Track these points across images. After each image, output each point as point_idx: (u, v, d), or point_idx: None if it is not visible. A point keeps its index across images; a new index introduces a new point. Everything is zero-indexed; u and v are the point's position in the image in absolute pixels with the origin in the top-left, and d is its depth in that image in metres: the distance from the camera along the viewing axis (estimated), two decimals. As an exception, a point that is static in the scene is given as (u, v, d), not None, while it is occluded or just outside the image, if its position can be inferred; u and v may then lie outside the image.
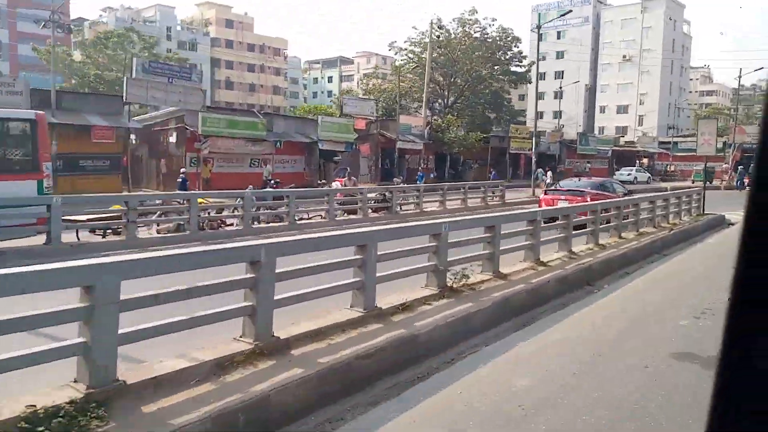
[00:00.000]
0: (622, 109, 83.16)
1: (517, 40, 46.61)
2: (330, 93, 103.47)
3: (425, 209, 20.62)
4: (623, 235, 13.60)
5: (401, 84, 45.40)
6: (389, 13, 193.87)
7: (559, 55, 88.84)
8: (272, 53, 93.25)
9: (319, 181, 28.52)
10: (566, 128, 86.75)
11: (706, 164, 26.67)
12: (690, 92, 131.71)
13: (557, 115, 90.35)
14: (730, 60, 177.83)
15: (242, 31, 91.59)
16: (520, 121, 66.32)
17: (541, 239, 10.13)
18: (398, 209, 19.44)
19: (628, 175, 48.28)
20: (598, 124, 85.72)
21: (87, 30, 66.39)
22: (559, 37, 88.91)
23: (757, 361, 0.73)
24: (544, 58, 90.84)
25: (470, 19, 45.96)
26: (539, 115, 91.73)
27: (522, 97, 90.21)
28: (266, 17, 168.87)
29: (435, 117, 40.20)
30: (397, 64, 44.03)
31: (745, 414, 0.74)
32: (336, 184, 25.70)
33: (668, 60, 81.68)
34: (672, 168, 61.62)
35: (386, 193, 19.51)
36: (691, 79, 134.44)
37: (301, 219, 16.46)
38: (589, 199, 14.98)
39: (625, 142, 63.87)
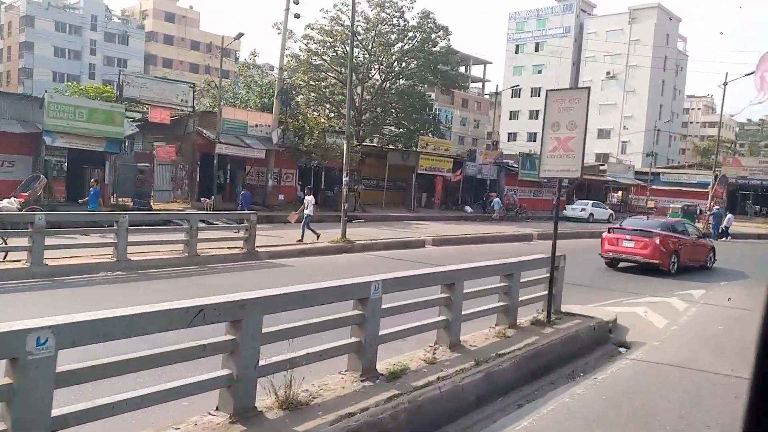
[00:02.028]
0: (604, 134, 72.23)
1: (445, 30, 36.15)
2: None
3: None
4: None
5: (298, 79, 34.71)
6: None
7: (536, 69, 78.33)
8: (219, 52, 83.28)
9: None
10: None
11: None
12: (691, 122, 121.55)
13: (532, 137, 79.87)
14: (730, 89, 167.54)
15: (185, 26, 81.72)
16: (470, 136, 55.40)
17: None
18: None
19: (581, 210, 37.16)
20: (576, 149, 74.66)
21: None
22: (537, 49, 78.55)
23: None
24: (520, 73, 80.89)
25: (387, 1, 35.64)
26: (511, 136, 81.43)
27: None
28: (215, 12, 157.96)
29: (299, 114, 29.33)
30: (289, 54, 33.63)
31: None
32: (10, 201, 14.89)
33: (658, 79, 70.93)
34: (652, 203, 50.38)
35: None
36: (691, 109, 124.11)
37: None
38: (658, 241, 14.17)
39: (587, 167, 52.50)
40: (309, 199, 16.79)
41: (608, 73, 71.56)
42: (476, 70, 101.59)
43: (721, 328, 9.51)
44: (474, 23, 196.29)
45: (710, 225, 29.46)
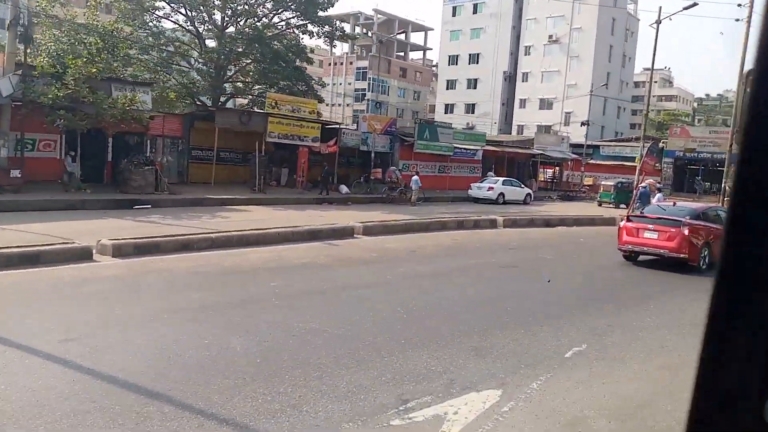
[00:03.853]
0: (546, 104, 65.10)
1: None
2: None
3: None
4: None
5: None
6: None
7: (475, 33, 70.55)
8: None
9: None
10: (479, 126, 68.67)
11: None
12: (644, 95, 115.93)
13: (470, 108, 72.36)
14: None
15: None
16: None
17: None
18: None
19: (488, 190, 29.74)
20: (517, 120, 67.63)
21: None
22: (475, 11, 70.68)
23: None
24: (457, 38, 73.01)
25: None
26: (448, 108, 73.76)
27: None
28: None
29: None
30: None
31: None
32: None
33: (605, 44, 63.94)
34: (589, 180, 43.36)
35: None
36: (646, 82, 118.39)
37: None
38: (686, 232, 12.16)
39: (516, 141, 45.25)
40: None
41: (550, 36, 64.22)
42: (416, 38, 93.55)
43: None
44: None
45: (636, 206, 22.32)
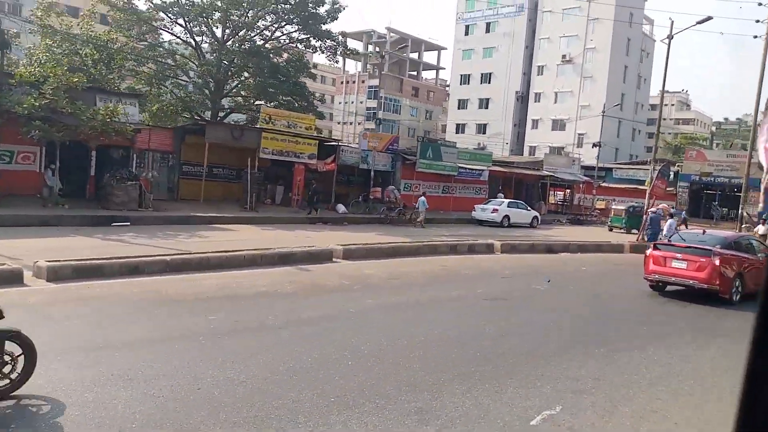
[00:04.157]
0: (559, 125, 63.84)
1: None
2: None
3: None
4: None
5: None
6: None
7: (488, 53, 69.81)
8: None
9: None
10: (491, 146, 67.59)
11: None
12: (663, 119, 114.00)
13: (481, 129, 71.28)
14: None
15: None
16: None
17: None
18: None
19: (493, 212, 28.51)
20: (529, 141, 66.42)
21: None
22: (488, 30, 70.02)
23: None
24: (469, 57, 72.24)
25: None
26: (460, 128, 72.77)
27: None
28: None
29: None
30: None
31: None
32: None
33: (620, 64, 62.73)
34: (602, 204, 41.88)
35: None
36: (664, 104, 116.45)
37: None
38: (717, 262, 11.44)
39: (525, 162, 44.01)
40: None
41: (564, 56, 63.19)
42: (430, 57, 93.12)
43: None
44: (425, 4, 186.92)
45: (646, 233, 20.94)
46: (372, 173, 28.49)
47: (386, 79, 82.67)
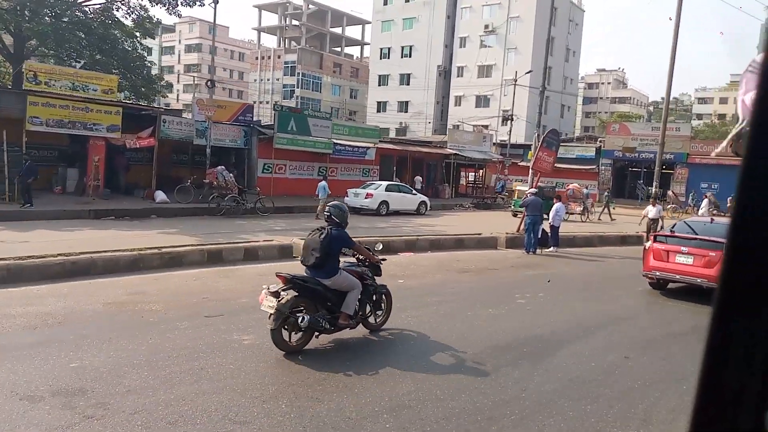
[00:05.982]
0: (483, 101, 59.03)
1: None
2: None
3: None
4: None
5: None
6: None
7: (408, 24, 64.23)
8: None
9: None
10: (413, 126, 62.22)
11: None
12: (600, 98, 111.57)
13: (403, 107, 65.83)
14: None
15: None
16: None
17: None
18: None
19: (366, 197, 23.01)
20: (453, 119, 61.41)
21: None
22: (408, 0, 64.34)
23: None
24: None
25: None
26: (381, 106, 67.10)
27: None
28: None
29: None
30: None
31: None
32: None
33: (545, 35, 58.09)
34: (516, 185, 37.01)
35: None
36: (600, 83, 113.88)
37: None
38: None
39: (427, 140, 38.75)
40: None
41: (487, 26, 58.23)
42: (353, 32, 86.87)
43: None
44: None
45: (524, 224, 15.81)
46: (208, 150, 22.41)
47: (304, 54, 76.08)
